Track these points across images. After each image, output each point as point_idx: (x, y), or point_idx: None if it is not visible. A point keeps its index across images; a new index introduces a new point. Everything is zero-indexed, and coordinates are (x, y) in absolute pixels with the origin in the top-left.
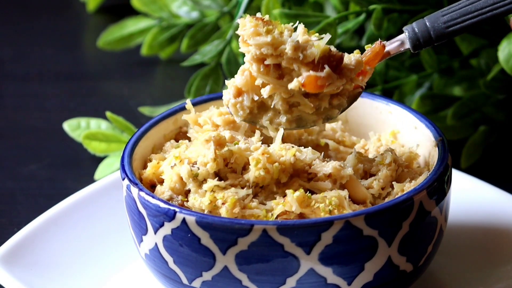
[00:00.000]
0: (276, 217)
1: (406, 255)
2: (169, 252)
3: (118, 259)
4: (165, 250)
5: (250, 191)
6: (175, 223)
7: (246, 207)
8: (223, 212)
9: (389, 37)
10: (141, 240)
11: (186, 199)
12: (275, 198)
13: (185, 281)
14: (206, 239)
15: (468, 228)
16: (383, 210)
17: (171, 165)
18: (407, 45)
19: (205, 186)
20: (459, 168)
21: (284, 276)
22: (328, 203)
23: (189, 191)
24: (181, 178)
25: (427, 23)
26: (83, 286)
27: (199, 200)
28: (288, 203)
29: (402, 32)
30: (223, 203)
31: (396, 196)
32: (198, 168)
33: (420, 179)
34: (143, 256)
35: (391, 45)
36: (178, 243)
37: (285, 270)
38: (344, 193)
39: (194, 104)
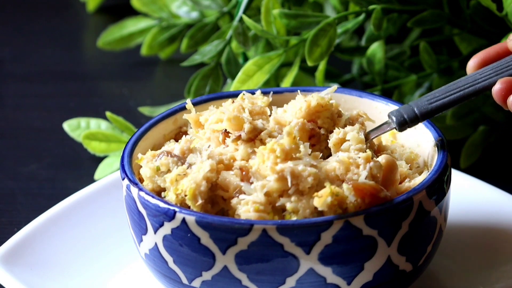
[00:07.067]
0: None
1: (406, 255)
2: (169, 252)
3: (118, 259)
4: (165, 250)
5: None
6: (175, 223)
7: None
8: (192, 206)
9: (389, 37)
10: (141, 240)
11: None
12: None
13: (185, 281)
14: (206, 238)
15: (467, 228)
16: (382, 210)
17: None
18: (393, 124)
19: (168, 179)
20: (458, 168)
21: (283, 276)
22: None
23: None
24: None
25: (411, 104)
26: (83, 286)
27: (169, 196)
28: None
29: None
30: (185, 195)
31: (396, 196)
32: (161, 157)
33: (420, 179)
34: (143, 256)
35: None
36: (178, 243)
37: (285, 269)
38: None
39: (194, 104)
